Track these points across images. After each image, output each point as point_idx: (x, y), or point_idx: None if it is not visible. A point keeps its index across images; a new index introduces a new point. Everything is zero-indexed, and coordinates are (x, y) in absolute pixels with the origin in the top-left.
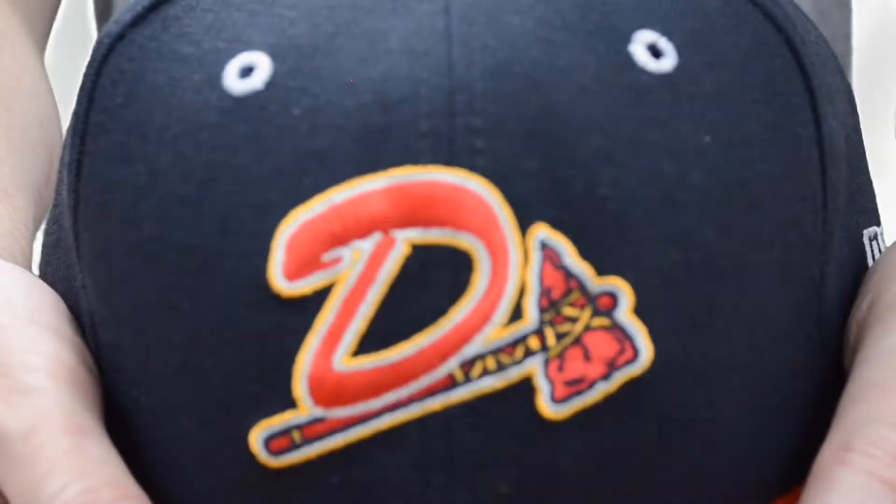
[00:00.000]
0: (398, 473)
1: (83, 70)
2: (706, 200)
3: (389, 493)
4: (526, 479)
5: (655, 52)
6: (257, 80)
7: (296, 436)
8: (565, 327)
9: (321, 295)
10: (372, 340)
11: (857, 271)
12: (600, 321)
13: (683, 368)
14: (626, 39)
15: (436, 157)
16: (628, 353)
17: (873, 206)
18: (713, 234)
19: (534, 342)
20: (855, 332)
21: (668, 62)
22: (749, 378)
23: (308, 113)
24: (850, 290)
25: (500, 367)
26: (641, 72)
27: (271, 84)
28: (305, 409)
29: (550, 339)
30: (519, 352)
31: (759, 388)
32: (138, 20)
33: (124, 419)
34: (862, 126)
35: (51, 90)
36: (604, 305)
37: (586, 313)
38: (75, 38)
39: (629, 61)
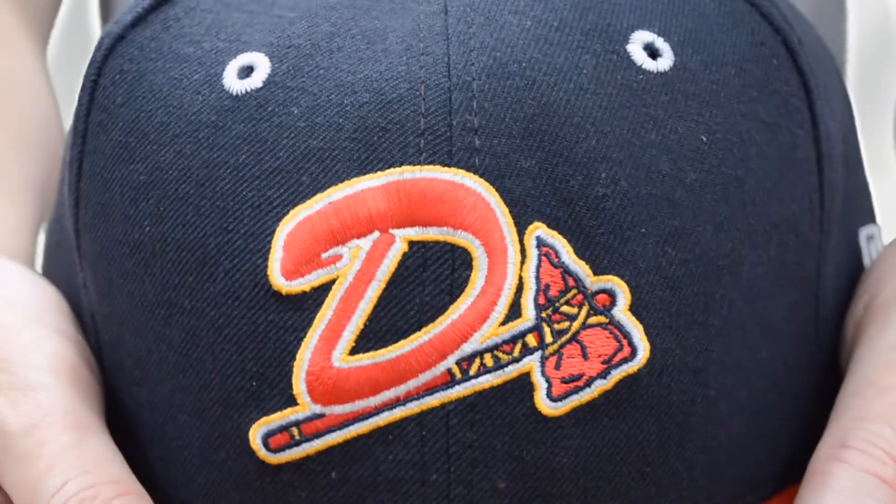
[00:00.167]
0: (396, 470)
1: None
2: (703, 199)
3: (387, 490)
4: (523, 475)
5: (652, 52)
6: (257, 80)
7: (295, 432)
8: (563, 325)
9: (320, 292)
10: (370, 338)
11: (854, 270)
12: (597, 319)
13: (680, 366)
14: (624, 39)
15: (434, 156)
16: (625, 351)
17: (869, 205)
18: (710, 233)
19: (531, 339)
20: (851, 330)
21: (664, 62)
22: (745, 376)
23: (307, 112)
24: (847, 290)
25: (498, 365)
26: (638, 71)
27: (270, 83)
28: (304, 405)
29: (548, 336)
30: (516, 349)
31: (755, 385)
32: (139, 21)
33: (125, 416)
34: (861, 128)
35: (52, 91)
36: (601, 303)
37: (583, 311)
38: (77, 37)
39: (626, 61)
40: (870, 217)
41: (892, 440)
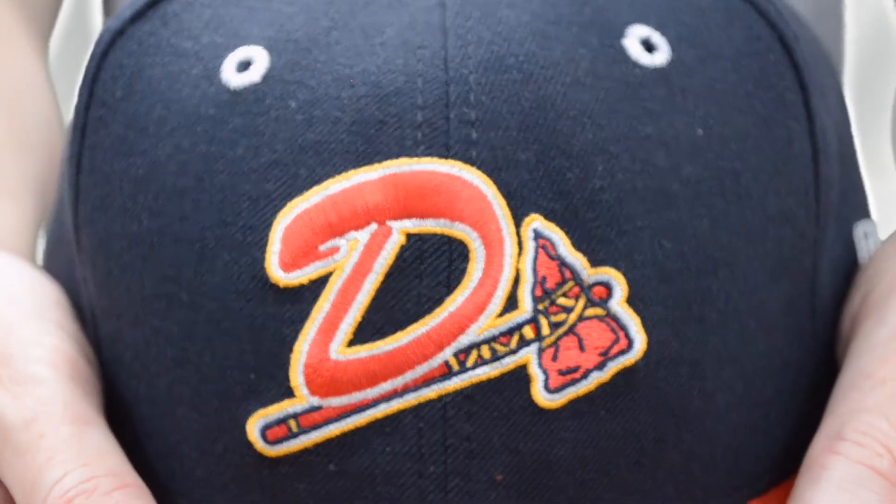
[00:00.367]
0: (394, 462)
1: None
2: (699, 192)
3: (385, 481)
4: (520, 467)
5: (649, 47)
6: (255, 74)
7: (293, 425)
8: (560, 317)
9: (318, 285)
10: (368, 330)
11: (849, 265)
12: (594, 311)
13: (677, 358)
14: (620, 34)
15: (431, 149)
16: (622, 343)
17: (864, 201)
18: (706, 226)
19: (528, 331)
20: (848, 324)
21: (661, 56)
22: (742, 369)
23: (304, 105)
24: (843, 284)
25: (495, 356)
26: (635, 65)
27: (268, 77)
28: (302, 398)
29: (545, 328)
30: (514, 341)
31: (751, 378)
32: (138, 16)
33: (124, 410)
34: (858, 127)
35: (53, 90)
36: (598, 295)
37: (580, 303)
38: (78, 35)
39: (623, 55)
40: (864, 213)
41: (887, 432)
